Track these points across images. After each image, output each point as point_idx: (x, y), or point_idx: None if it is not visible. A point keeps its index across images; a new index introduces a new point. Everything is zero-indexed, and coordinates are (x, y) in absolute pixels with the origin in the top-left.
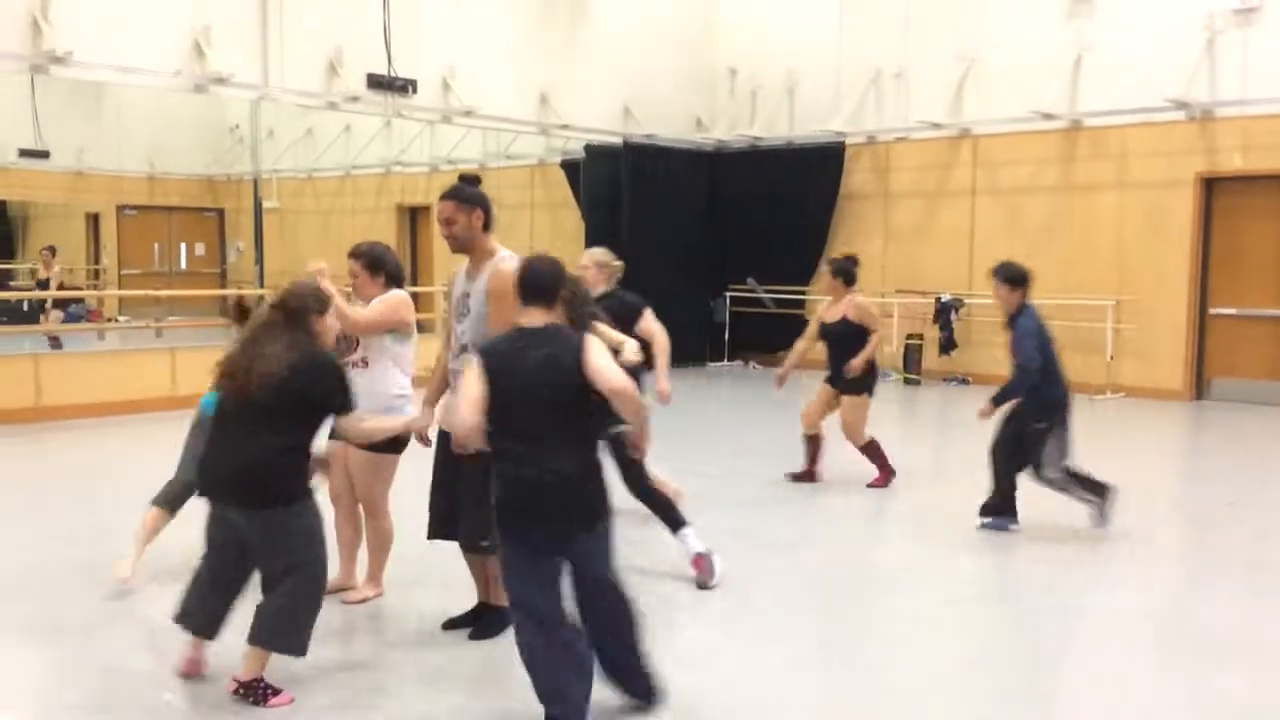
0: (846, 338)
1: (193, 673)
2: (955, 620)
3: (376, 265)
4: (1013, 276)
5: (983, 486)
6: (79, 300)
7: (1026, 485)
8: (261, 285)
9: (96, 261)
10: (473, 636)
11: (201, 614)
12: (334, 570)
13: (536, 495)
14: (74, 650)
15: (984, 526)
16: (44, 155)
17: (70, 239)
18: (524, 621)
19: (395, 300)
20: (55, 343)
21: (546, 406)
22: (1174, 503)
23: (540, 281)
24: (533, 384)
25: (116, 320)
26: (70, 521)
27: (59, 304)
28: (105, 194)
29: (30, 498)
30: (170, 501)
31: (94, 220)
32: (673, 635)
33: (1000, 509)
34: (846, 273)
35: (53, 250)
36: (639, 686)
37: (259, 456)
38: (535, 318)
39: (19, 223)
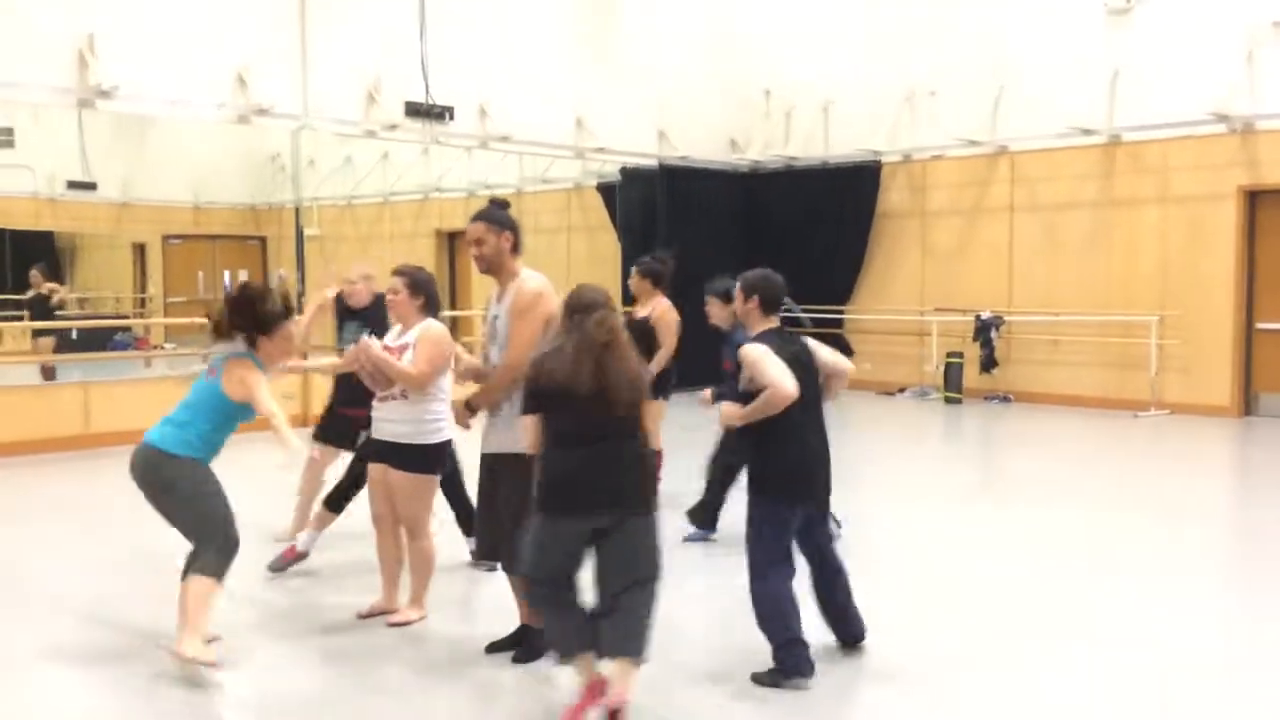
0: (644, 336)
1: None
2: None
3: (417, 288)
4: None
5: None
6: (126, 328)
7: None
8: (302, 311)
9: (143, 290)
10: (516, 660)
11: (578, 639)
12: (377, 593)
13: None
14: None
15: (689, 538)
16: (91, 187)
17: (116, 269)
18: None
19: (439, 337)
20: (49, 373)
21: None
22: (1228, 521)
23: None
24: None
25: (163, 348)
26: (122, 546)
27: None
28: (150, 224)
29: (82, 522)
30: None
31: (140, 250)
32: None
33: (705, 519)
34: (654, 274)
35: (43, 269)
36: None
37: (643, 462)
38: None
39: (67, 253)
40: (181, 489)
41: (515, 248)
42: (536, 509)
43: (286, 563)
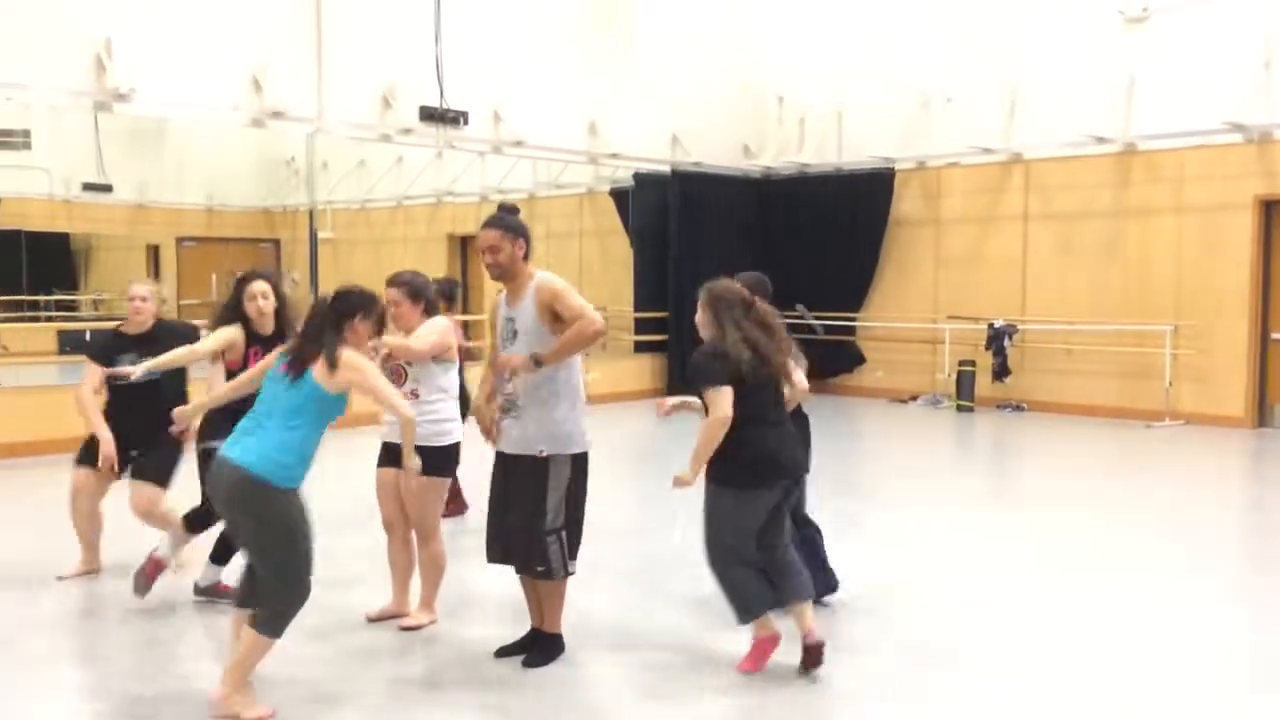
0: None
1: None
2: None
3: (417, 295)
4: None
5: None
6: None
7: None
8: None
9: None
10: (526, 664)
11: (763, 597)
12: (387, 597)
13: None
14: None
15: None
16: (107, 189)
17: (130, 270)
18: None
19: (442, 324)
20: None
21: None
22: (1238, 533)
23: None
24: None
25: None
26: (135, 550)
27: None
28: (165, 226)
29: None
30: None
31: (154, 252)
32: None
33: None
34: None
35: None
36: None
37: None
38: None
39: (82, 255)
40: (278, 528)
41: (527, 255)
42: (730, 485)
43: (149, 581)
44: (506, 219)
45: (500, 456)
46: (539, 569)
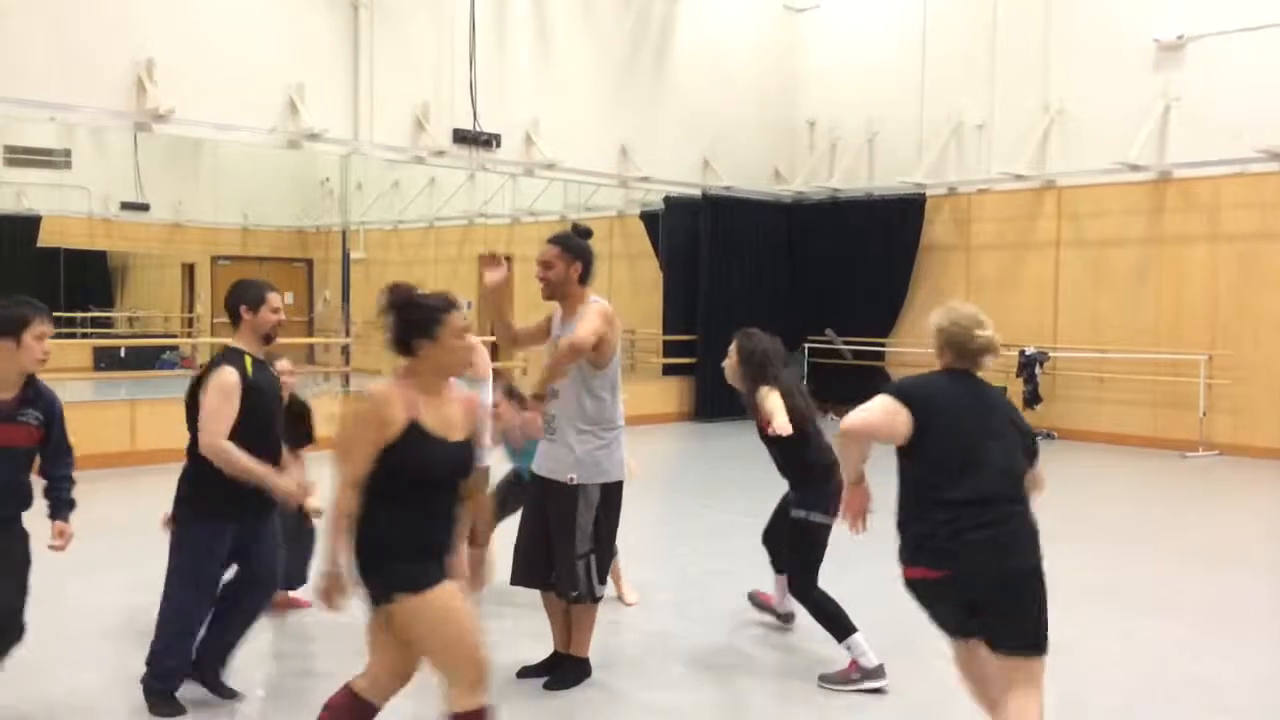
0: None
1: None
2: None
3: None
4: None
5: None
6: (173, 347)
7: None
8: (348, 334)
9: (190, 310)
10: (548, 686)
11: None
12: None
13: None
14: None
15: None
16: (144, 208)
17: (166, 288)
18: None
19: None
20: None
21: None
22: (1270, 566)
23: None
24: None
25: None
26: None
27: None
28: (201, 245)
29: (128, 540)
30: None
31: (189, 270)
32: None
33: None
34: None
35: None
36: None
37: None
38: None
39: (119, 272)
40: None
41: (583, 277)
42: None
43: None
44: (571, 240)
45: (535, 479)
46: (572, 593)
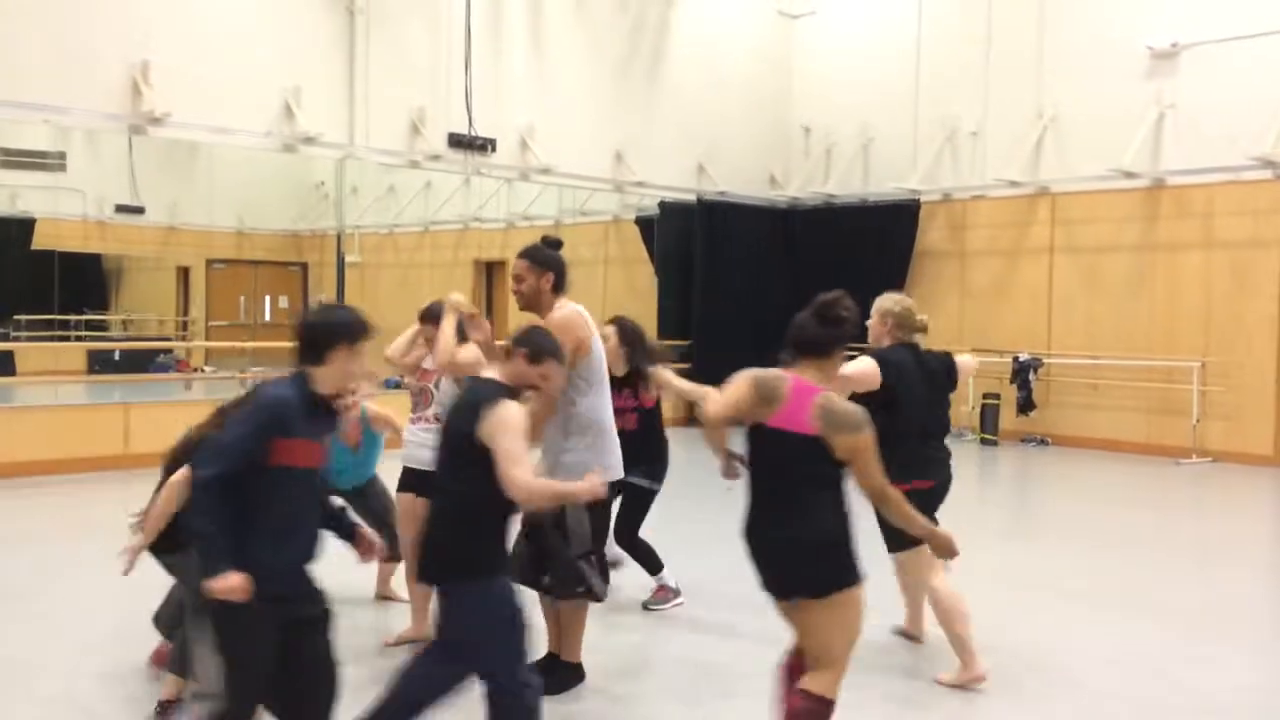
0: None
1: None
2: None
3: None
4: None
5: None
6: (168, 351)
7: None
8: None
9: (185, 313)
10: (544, 690)
11: None
12: (406, 622)
13: None
14: None
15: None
16: (139, 211)
17: (161, 291)
18: None
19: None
20: None
21: None
22: (1263, 572)
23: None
24: None
25: (203, 370)
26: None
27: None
28: (195, 248)
29: (121, 543)
30: None
31: (184, 273)
32: None
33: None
34: None
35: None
36: None
37: None
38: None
39: (113, 275)
40: None
41: (556, 287)
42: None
43: None
44: (539, 251)
45: None
46: (579, 589)
